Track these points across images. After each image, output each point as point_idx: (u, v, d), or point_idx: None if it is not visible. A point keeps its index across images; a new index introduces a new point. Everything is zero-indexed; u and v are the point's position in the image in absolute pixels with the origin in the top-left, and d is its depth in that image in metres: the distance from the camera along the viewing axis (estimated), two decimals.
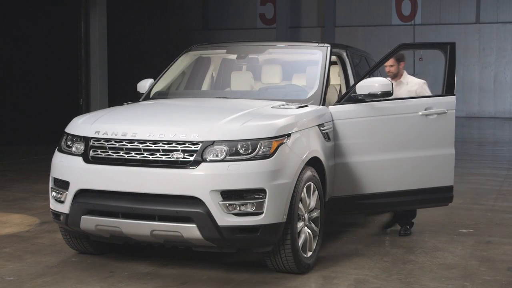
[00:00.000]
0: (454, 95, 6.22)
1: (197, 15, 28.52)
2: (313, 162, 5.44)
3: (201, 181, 4.80)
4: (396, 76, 6.84)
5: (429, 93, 6.69)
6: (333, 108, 5.98)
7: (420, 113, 6.17)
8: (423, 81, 6.85)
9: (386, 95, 5.90)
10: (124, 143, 5.05)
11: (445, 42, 6.59)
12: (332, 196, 5.95)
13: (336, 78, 7.15)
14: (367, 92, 5.91)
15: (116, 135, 5.10)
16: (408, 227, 6.72)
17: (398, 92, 6.67)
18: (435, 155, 6.25)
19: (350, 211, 6.63)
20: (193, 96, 6.72)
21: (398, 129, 6.15)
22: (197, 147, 4.88)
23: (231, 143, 4.89)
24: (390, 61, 6.75)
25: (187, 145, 4.90)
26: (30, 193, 8.83)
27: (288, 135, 5.11)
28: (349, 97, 6.04)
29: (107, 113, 5.72)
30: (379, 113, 6.06)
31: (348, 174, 6.00)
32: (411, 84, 6.80)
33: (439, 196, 6.42)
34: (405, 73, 6.90)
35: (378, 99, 5.99)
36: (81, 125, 5.40)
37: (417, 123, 6.18)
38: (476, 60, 25.11)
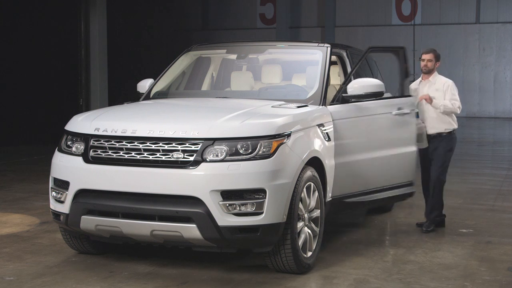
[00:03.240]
0: (411, 96, 6.87)
1: (197, 15, 28.50)
2: (313, 162, 5.44)
3: (201, 181, 4.80)
4: (430, 72, 6.80)
5: (455, 94, 6.69)
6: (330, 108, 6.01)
7: (393, 112, 6.57)
8: (451, 81, 6.79)
9: (378, 95, 6.10)
10: (124, 143, 5.05)
11: (398, 46, 7.21)
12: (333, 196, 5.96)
13: (336, 78, 7.14)
14: (360, 93, 6.02)
15: (115, 132, 5.10)
16: (432, 224, 6.83)
17: (426, 91, 6.77)
18: (405, 153, 6.75)
19: (341, 211, 6.62)
20: (193, 96, 6.72)
21: (378, 128, 6.52)
22: (197, 147, 4.88)
23: (231, 142, 4.89)
24: (429, 55, 6.74)
25: (187, 145, 4.91)
26: (30, 193, 8.83)
27: (288, 135, 5.11)
28: (340, 97, 6.08)
29: (107, 111, 5.73)
30: (364, 113, 6.28)
31: (340, 174, 6.03)
32: (438, 83, 6.77)
33: (405, 190, 6.96)
34: (436, 72, 6.86)
35: (367, 99, 6.17)
36: (81, 123, 5.41)
37: (391, 123, 6.62)
38: (476, 60, 25.08)
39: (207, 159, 4.85)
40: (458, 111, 6.72)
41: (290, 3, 25.94)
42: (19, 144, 14.53)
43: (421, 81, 6.90)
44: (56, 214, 5.33)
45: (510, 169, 11.41)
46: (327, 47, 6.48)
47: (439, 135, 6.76)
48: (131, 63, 23.54)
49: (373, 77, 7.79)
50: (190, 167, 4.85)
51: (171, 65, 6.94)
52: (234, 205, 4.82)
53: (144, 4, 25.11)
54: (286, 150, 5.05)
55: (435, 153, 6.77)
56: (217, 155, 4.86)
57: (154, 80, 6.84)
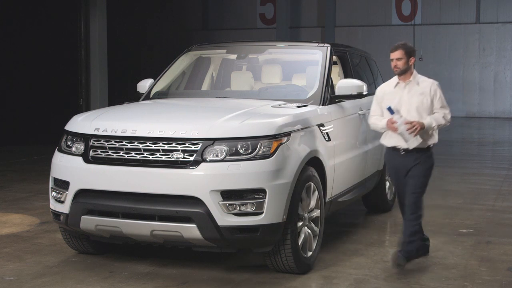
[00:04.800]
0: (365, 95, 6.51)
1: (197, 15, 28.51)
2: (313, 162, 5.44)
3: (201, 181, 4.80)
4: (404, 73, 5.54)
5: (444, 100, 5.61)
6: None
7: (360, 112, 6.79)
8: (436, 82, 5.64)
9: (359, 96, 6.25)
10: (124, 143, 5.05)
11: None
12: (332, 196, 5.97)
13: (336, 78, 7.15)
14: (346, 93, 6.20)
15: (115, 132, 5.10)
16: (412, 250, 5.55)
17: (409, 93, 5.52)
18: (375, 147, 7.07)
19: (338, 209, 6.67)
20: (193, 96, 6.72)
21: (355, 128, 6.72)
22: (197, 147, 4.88)
23: (231, 142, 4.89)
24: (398, 53, 5.51)
25: (187, 145, 4.91)
26: (30, 193, 8.83)
27: (288, 135, 5.11)
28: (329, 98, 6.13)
29: (107, 111, 5.74)
30: (346, 113, 6.44)
31: (338, 173, 6.09)
32: (423, 86, 5.55)
33: (376, 181, 7.31)
34: (414, 71, 5.63)
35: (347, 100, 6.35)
36: (81, 123, 5.41)
37: (360, 122, 6.81)
38: (476, 60, 25.10)
39: (207, 159, 4.85)
40: (448, 124, 5.64)
41: (290, 3, 25.96)
42: (19, 144, 14.53)
43: (398, 82, 5.59)
44: (56, 214, 5.33)
45: (510, 169, 11.41)
46: (327, 47, 6.49)
47: (416, 150, 5.52)
48: (131, 63, 23.54)
49: (373, 78, 7.83)
50: (190, 167, 4.84)
51: (171, 65, 6.95)
52: (234, 205, 4.82)
53: (144, 4, 25.11)
54: (286, 150, 5.05)
55: (412, 173, 5.54)
56: (217, 155, 4.86)
57: (154, 80, 6.84)
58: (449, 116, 5.58)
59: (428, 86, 5.52)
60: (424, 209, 5.75)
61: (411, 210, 5.53)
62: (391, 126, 5.42)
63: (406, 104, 5.48)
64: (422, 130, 5.37)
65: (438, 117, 5.48)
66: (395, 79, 5.62)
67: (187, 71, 7.05)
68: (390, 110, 5.39)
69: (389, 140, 5.59)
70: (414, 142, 5.38)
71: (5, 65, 17.26)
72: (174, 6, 27.10)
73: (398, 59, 5.50)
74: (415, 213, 5.52)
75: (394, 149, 5.56)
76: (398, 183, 5.68)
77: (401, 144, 5.49)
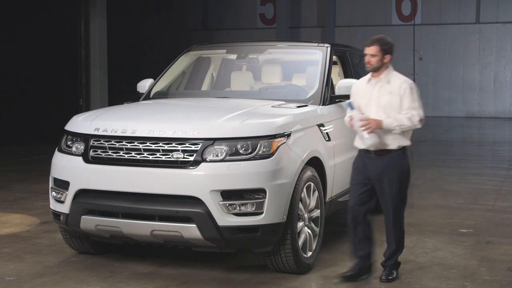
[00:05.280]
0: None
1: (197, 15, 28.51)
2: (313, 162, 5.44)
3: (201, 181, 4.80)
4: (376, 70, 5.08)
5: (414, 101, 5.03)
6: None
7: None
8: (410, 81, 5.07)
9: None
10: (124, 143, 5.05)
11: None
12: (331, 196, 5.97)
13: (336, 78, 7.15)
14: (346, 93, 6.06)
15: (115, 132, 5.10)
16: (393, 271, 5.25)
17: (379, 91, 5.06)
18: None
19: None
20: (193, 96, 6.72)
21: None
22: (197, 147, 4.88)
23: (231, 142, 4.89)
24: (372, 49, 5.04)
25: (187, 145, 4.91)
26: (30, 193, 8.83)
27: (288, 135, 5.11)
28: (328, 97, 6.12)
29: (107, 111, 5.74)
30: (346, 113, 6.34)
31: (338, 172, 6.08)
32: (393, 84, 5.04)
33: None
34: (390, 68, 5.11)
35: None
36: (81, 123, 5.41)
37: None
38: (476, 60, 25.10)
39: (207, 159, 4.85)
40: (420, 126, 5.04)
41: (290, 3, 25.95)
42: (19, 144, 14.53)
43: (370, 79, 5.15)
44: (56, 214, 5.33)
45: (510, 169, 11.41)
46: (327, 47, 6.49)
47: (386, 152, 5.05)
48: (131, 63, 23.52)
49: None
50: (190, 167, 4.84)
51: (171, 65, 6.95)
52: (234, 205, 4.82)
53: (144, 4, 25.10)
54: (286, 150, 5.05)
55: (383, 179, 5.05)
56: (217, 155, 4.86)
57: (154, 80, 6.84)
58: (417, 118, 4.95)
59: (398, 85, 5.01)
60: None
61: (392, 223, 5.13)
62: (349, 122, 5.10)
63: (374, 103, 5.05)
64: (379, 129, 4.94)
65: (402, 118, 4.94)
66: (369, 75, 5.18)
67: (187, 71, 7.06)
68: (350, 105, 5.10)
69: (361, 142, 5.14)
70: (368, 140, 4.96)
71: (5, 65, 17.25)
72: (174, 6, 27.08)
73: (372, 55, 5.04)
74: (396, 228, 5.13)
75: (365, 151, 5.10)
76: (358, 187, 5.11)
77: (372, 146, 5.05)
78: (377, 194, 5.11)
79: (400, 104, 4.99)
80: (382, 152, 5.03)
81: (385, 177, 5.03)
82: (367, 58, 5.07)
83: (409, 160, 5.12)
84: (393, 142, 5.01)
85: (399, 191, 5.06)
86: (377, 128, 4.93)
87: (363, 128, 4.93)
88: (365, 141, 5.00)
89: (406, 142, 5.06)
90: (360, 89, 5.20)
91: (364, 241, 5.18)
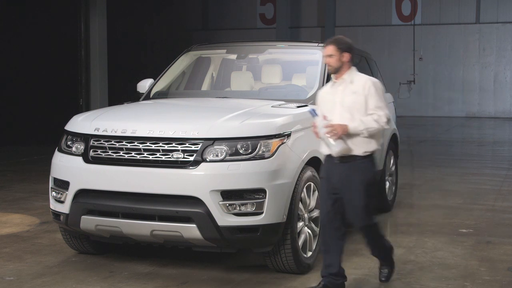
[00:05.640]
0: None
1: (197, 15, 28.51)
2: (313, 162, 5.44)
3: (201, 181, 4.80)
4: (338, 71, 4.80)
5: (380, 101, 4.73)
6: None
7: None
8: (374, 80, 4.84)
9: None
10: (124, 143, 5.05)
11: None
12: None
13: None
14: None
15: (115, 132, 5.10)
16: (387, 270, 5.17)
17: (343, 93, 4.76)
18: None
19: None
20: (193, 96, 6.73)
21: None
22: (197, 147, 4.88)
23: (231, 142, 4.89)
24: (329, 49, 4.78)
25: (187, 145, 4.91)
26: (30, 193, 8.83)
27: (288, 135, 5.11)
28: None
29: (107, 111, 5.74)
30: None
31: None
32: (356, 84, 4.77)
33: None
34: (353, 69, 4.87)
35: None
36: (81, 123, 5.41)
37: None
38: (476, 60, 25.10)
39: (207, 159, 4.85)
40: (387, 126, 4.78)
41: (290, 3, 25.95)
42: (19, 144, 14.53)
43: (334, 82, 4.86)
44: (56, 214, 5.33)
45: (510, 169, 11.41)
46: None
47: (351, 158, 4.71)
48: (131, 63, 23.52)
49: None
50: (190, 167, 4.85)
51: (171, 65, 6.95)
52: (234, 205, 4.82)
53: (144, 4, 25.10)
54: (286, 150, 5.05)
55: (349, 188, 4.69)
56: (217, 155, 4.86)
57: (154, 80, 6.84)
58: (383, 119, 4.66)
59: (362, 84, 4.73)
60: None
61: (365, 234, 4.83)
62: (313, 130, 4.72)
63: (339, 105, 4.73)
64: (346, 134, 4.62)
65: (368, 120, 4.64)
66: (332, 78, 4.90)
67: (187, 71, 7.06)
68: (312, 112, 4.74)
69: (325, 147, 4.79)
70: (335, 147, 4.62)
71: (5, 65, 17.26)
72: (174, 6, 27.09)
73: (329, 56, 4.78)
74: (370, 239, 4.82)
75: (330, 157, 4.76)
76: (327, 198, 4.77)
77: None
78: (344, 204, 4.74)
79: (365, 104, 4.69)
80: (347, 159, 4.67)
81: (349, 186, 4.67)
82: (326, 60, 4.82)
83: (375, 168, 4.83)
84: (358, 148, 4.68)
85: (364, 201, 4.67)
86: (343, 133, 4.60)
87: (329, 134, 4.60)
88: (332, 148, 4.65)
89: (372, 147, 4.73)
90: (325, 94, 4.89)
91: (336, 258, 4.85)
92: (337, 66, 4.78)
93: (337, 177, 4.70)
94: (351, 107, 4.69)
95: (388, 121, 4.72)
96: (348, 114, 4.68)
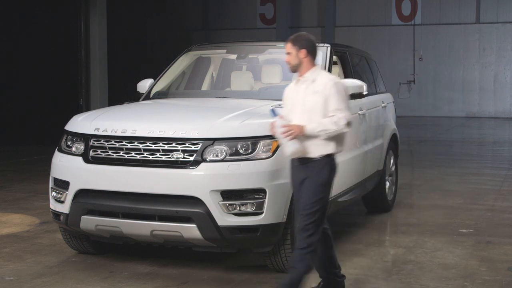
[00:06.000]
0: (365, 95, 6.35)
1: (197, 15, 28.51)
2: None
3: (201, 181, 4.80)
4: (297, 69, 4.60)
5: (340, 102, 4.48)
6: None
7: (360, 112, 6.74)
8: (335, 79, 4.59)
9: (359, 96, 6.18)
10: (124, 143, 5.05)
11: None
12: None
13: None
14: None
15: (115, 132, 5.10)
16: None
17: (304, 92, 4.54)
18: (375, 147, 7.23)
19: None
20: (193, 96, 6.72)
21: (355, 128, 6.55)
22: (197, 147, 4.88)
23: (231, 142, 4.90)
24: (287, 47, 4.60)
25: (187, 145, 4.91)
26: (30, 193, 8.83)
27: None
28: None
29: (107, 111, 5.74)
30: (356, 110, 6.48)
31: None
32: (319, 82, 4.54)
33: (376, 181, 7.38)
34: (316, 67, 4.63)
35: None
36: (81, 123, 5.41)
37: (360, 122, 6.79)
38: (476, 60, 25.09)
39: (207, 159, 4.85)
40: (346, 129, 4.50)
41: (290, 3, 25.95)
42: (19, 144, 14.53)
43: (297, 80, 4.65)
44: (56, 214, 5.33)
45: (510, 169, 11.41)
46: (327, 47, 6.49)
47: (308, 160, 4.50)
48: (131, 63, 23.54)
49: (373, 78, 7.84)
50: (190, 167, 4.85)
51: (171, 65, 6.95)
52: (234, 205, 4.82)
53: (144, 4, 25.11)
54: None
55: (302, 189, 4.51)
56: (217, 155, 4.86)
57: (154, 80, 6.84)
58: (343, 122, 4.42)
59: (324, 83, 4.50)
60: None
61: (299, 238, 4.43)
62: (271, 130, 4.53)
63: (300, 105, 4.53)
64: (304, 136, 4.42)
65: (327, 121, 4.42)
66: (296, 76, 4.69)
67: (187, 71, 7.06)
68: (272, 112, 4.54)
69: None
70: (289, 148, 4.44)
71: (5, 65, 17.26)
72: (174, 6, 27.11)
73: (288, 54, 4.60)
74: (303, 245, 4.40)
75: (292, 159, 4.59)
76: (296, 202, 4.61)
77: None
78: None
79: (325, 105, 4.45)
80: (304, 160, 4.48)
81: (302, 188, 4.48)
82: (285, 59, 4.65)
83: (331, 171, 4.51)
84: (315, 150, 4.47)
85: (311, 206, 4.40)
86: (299, 134, 4.40)
87: (284, 135, 4.40)
88: (286, 149, 4.47)
89: (329, 150, 4.48)
90: (289, 92, 4.68)
91: (326, 261, 4.67)
92: (295, 64, 4.58)
93: (296, 179, 4.55)
94: (312, 107, 4.48)
95: (349, 124, 4.46)
96: (308, 115, 4.48)
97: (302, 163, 4.49)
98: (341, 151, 4.61)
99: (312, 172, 4.45)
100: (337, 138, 4.51)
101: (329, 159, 4.49)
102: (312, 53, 4.58)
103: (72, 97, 15.45)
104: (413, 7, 25.69)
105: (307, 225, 4.38)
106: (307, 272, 4.43)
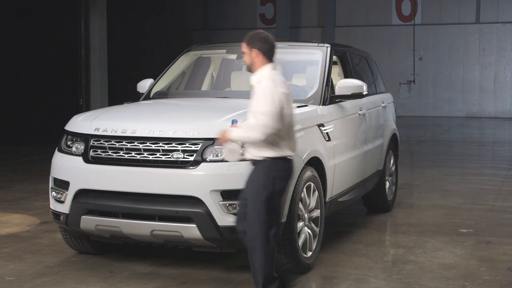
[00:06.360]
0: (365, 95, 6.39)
1: (197, 15, 28.51)
2: (313, 162, 5.44)
3: (201, 181, 4.80)
4: (253, 69, 4.52)
5: (262, 105, 4.25)
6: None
7: (360, 112, 6.79)
8: (269, 81, 4.36)
9: (359, 96, 6.25)
10: (124, 143, 5.05)
11: None
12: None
13: (336, 78, 7.15)
14: (346, 93, 6.20)
15: (115, 132, 5.10)
16: None
17: (253, 94, 4.42)
18: (375, 147, 7.22)
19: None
20: (193, 96, 6.72)
21: (355, 127, 6.68)
22: (197, 147, 4.88)
23: None
24: (242, 48, 4.57)
25: (187, 145, 4.91)
26: (30, 193, 8.83)
27: None
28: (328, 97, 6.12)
29: (107, 111, 5.74)
30: (346, 113, 6.43)
31: (338, 172, 6.08)
32: (262, 83, 4.40)
33: (376, 181, 7.41)
34: (267, 67, 4.49)
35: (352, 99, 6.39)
36: (81, 123, 5.41)
37: (360, 122, 6.83)
38: (476, 60, 25.10)
39: (207, 159, 4.85)
40: (261, 137, 4.22)
41: (290, 3, 25.95)
42: (19, 144, 14.53)
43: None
44: (56, 214, 5.33)
45: (510, 169, 11.41)
46: (327, 47, 6.49)
47: (254, 162, 4.46)
48: (131, 63, 23.54)
49: (373, 78, 7.84)
50: (190, 167, 4.85)
51: (171, 65, 6.95)
52: (234, 205, 4.81)
53: (144, 4, 25.11)
54: None
55: (247, 190, 4.46)
56: (217, 155, 4.86)
57: (154, 80, 6.84)
58: (260, 128, 4.19)
59: (258, 81, 4.42)
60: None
61: (249, 248, 4.42)
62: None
63: (250, 107, 4.42)
64: (234, 141, 4.33)
65: (245, 125, 4.34)
66: None
67: (187, 71, 7.05)
68: (232, 121, 4.53)
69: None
70: (225, 154, 4.47)
71: (5, 65, 17.26)
72: (174, 6, 27.11)
73: (243, 54, 4.56)
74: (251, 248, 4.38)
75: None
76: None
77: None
78: None
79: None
80: (253, 162, 4.46)
81: (246, 189, 4.45)
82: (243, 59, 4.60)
83: (270, 175, 4.35)
84: (249, 153, 4.43)
85: (257, 208, 4.34)
86: (224, 140, 4.37)
87: (218, 141, 4.43)
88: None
89: (264, 154, 4.34)
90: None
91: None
92: (249, 63, 4.50)
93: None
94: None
95: (265, 133, 4.19)
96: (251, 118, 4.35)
97: (252, 164, 4.48)
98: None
99: (250, 177, 4.41)
100: (275, 143, 4.30)
101: (269, 163, 4.34)
102: (265, 53, 4.46)
103: (72, 97, 15.46)
104: (413, 7, 25.69)
105: (260, 220, 4.33)
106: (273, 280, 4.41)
